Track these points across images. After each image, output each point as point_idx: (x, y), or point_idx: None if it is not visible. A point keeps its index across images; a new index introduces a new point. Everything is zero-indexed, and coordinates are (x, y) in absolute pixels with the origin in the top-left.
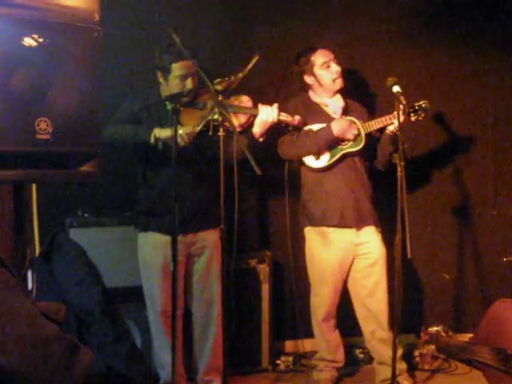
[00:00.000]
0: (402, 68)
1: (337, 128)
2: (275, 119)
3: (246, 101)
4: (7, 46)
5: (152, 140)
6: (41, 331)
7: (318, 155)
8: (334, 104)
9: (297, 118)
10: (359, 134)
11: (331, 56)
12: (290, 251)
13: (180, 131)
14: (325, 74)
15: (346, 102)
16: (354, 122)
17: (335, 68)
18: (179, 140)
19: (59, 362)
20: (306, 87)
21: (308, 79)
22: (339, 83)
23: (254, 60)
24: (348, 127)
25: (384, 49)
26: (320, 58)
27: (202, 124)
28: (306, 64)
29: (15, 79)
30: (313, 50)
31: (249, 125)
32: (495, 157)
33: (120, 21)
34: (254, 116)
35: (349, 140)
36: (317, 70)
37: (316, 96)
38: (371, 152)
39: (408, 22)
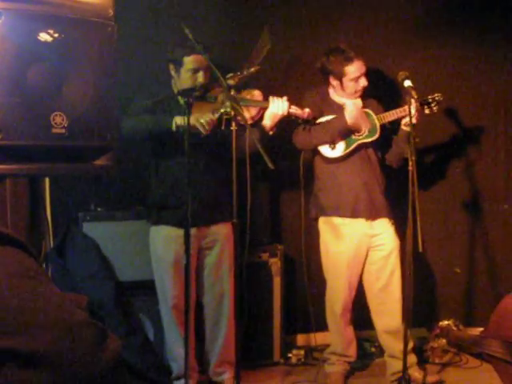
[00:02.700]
0: (413, 61)
1: (350, 115)
2: (285, 112)
3: (257, 95)
4: (23, 41)
5: (174, 128)
6: (72, 316)
7: (332, 145)
8: None
9: (307, 110)
10: (374, 125)
11: (363, 70)
12: (303, 244)
13: (201, 120)
14: (351, 86)
15: (363, 102)
16: (369, 114)
17: (363, 83)
18: (201, 128)
19: (90, 347)
20: (327, 83)
21: (333, 81)
22: (359, 94)
23: (265, 35)
24: (360, 114)
25: (396, 42)
26: (354, 72)
27: (218, 114)
28: (337, 69)
29: (30, 74)
30: (350, 60)
31: (259, 118)
32: (507, 150)
33: (133, 15)
34: (265, 109)
35: (362, 131)
36: (346, 80)
37: (335, 95)
38: (385, 145)
39: (420, 15)
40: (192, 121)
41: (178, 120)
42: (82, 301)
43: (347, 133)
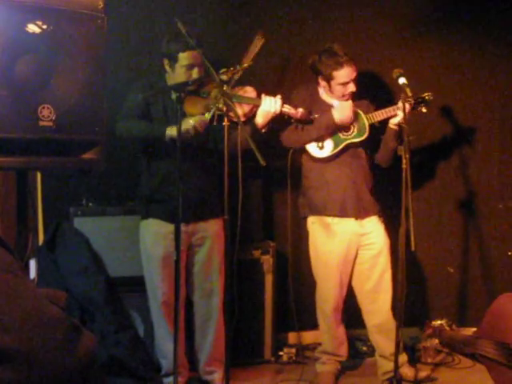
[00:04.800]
0: (408, 60)
1: (338, 114)
2: (278, 110)
3: (250, 91)
4: (11, 33)
5: (166, 139)
6: (44, 312)
7: (320, 143)
8: None
9: (300, 110)
10: (363, 125)
11: (353, 76)
12: (290, 242)
13: (191, 121)
14: (339, 90)
15: (354, 103)
16: (358, 114)
17: (351, 88)
18: (191, 130)
19: (62, 343)
20: (317, 81)
21: (321, 82)
22: (347, 98)
23: (259, 43)
24: (348, 111)
25: (391, 40)
26: (342, 77)
27: (212, 112)
28: (326, 72)
29: (19, 66)
30: (340, 64)
31: (252, 115)
32: (501, 150)
33: (126, 8)
34: (258, 106)
35: (351, 130)
36: (333, 83)
37: (324, 95)
38: (375, 144)
39: (415, 13)
40: (184, 125)
41: (170, 131)
42: (61, 297)
43: (334, 130)
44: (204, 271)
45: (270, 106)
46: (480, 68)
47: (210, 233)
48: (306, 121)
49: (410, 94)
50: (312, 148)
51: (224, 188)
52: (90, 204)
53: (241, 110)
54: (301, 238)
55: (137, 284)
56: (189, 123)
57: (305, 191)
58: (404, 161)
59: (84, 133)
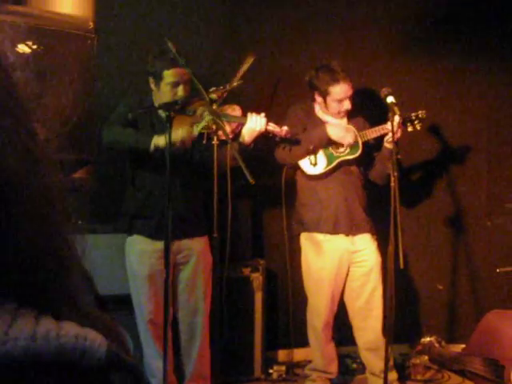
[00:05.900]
0: (397, 78)
1: (332, 131)
2: (263, 128)
3: (237, 109)
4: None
5: (152, 148)
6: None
7: (314, 160)
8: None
9: (284, 128)
10: (356, 142)
11: (349, 93)
12: (287, 259)
13: (179, 133)
14: (334, 107)
15: (349, 121)
16: (351, 130)
17: (346, 106)
18: (178, 144)
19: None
20: (313, 98)
21: (317, 97)
22: (342, 115)
23: (249, 62)
24: (344, 133)
25: (381, 58)
26: (338, 93)
27: (200, 128)
28: (322, 87)
29: None
30: (336, 80)
31: (238, 132)
32: (489, 167)
33: (116, 26)
34: (243, 124)
35: (347, 145)
36: (329, 99)
37: (320, 111)
38: (368, 161)
39: (404, 33)
40: (173, 136)
41: (157, 140)
42: None
43: (326, 144)
44: (189, 289)
45: (256, 123)
46: (469, 87)
47: (195, 251)
48: (290, 140)
49: (398, 113)
50: (305, 165)
51: (213, 206)
52: (80, 222)
53: (229, 128)
54: (292, 255)
55: (126, 302)
56: (177, 135)
57: (298, 208)
58: (392, 179)
59: (74, 152)
